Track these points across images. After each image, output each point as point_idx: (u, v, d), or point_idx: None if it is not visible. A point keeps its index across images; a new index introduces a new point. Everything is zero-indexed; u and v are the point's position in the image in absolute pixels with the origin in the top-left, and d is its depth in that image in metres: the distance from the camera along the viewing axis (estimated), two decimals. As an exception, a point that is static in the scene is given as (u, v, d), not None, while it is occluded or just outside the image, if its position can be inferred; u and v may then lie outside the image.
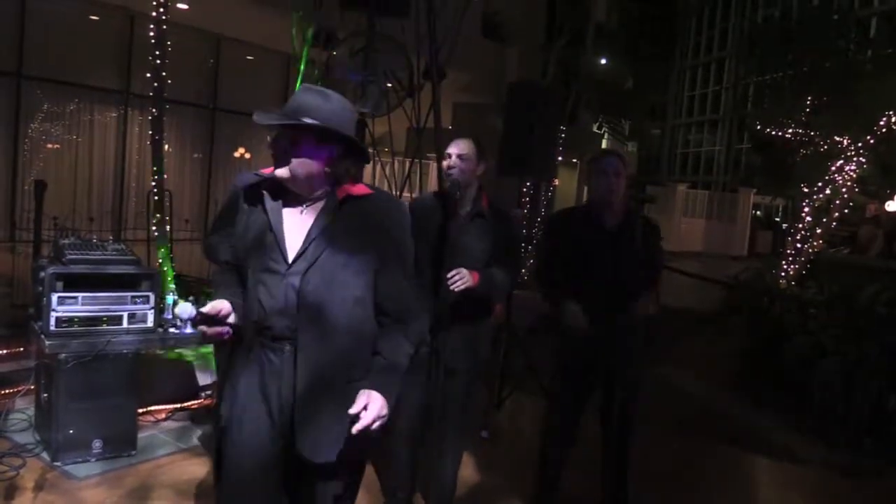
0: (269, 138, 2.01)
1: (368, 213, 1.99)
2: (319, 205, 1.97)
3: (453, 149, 3.09)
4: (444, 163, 3.09)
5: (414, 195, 5.25)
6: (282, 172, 1.92)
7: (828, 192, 9.61)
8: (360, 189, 2.00)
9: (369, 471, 3.63)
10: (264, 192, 1.98)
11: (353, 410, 1.84)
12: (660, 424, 4.76)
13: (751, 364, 6.46)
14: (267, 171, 1.98)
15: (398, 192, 5.96)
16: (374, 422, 1.85)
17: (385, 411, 1.89)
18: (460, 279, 2.84)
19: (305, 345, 1.90)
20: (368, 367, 1.97)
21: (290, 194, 1.97)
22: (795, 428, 5.29)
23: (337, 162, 1.94)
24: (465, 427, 3.34)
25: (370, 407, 1.86)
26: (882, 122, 8.84)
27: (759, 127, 13.51)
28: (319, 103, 1.91)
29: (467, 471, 3.68)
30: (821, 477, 4.51)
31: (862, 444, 4.80)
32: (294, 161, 1.91)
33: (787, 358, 5.83)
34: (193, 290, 5.45)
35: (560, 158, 11.67)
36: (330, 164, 1.94)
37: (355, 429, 1.83)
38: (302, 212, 1.97)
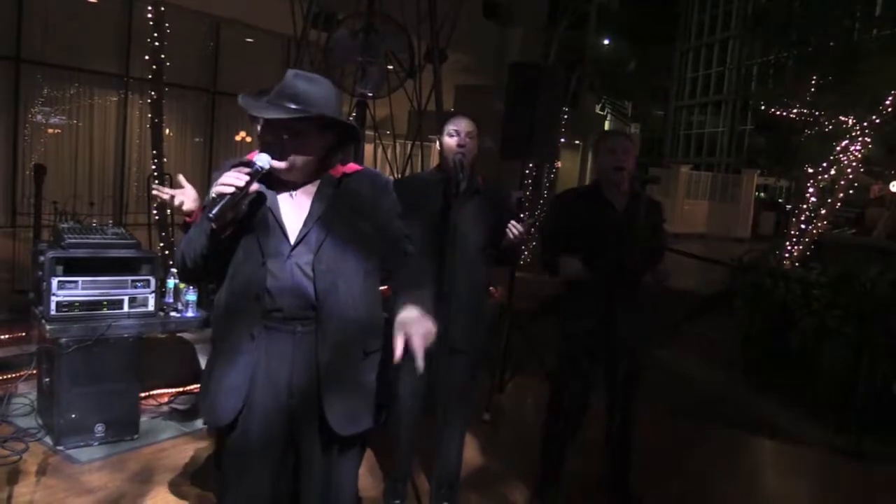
0: (258, 127, 1.98)
1: (362, 186, 2.02)
2: (311, 186, 1.98)
3: (460, 126, 3.02)
4: (454, 140, 3.01)
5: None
6: (280, 164, 1.89)
7: (832, 172, 9.55)
8: (351, 167, 2.04)
9: (370, 453, 3.63)
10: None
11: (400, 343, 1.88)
12: (662, 407, 4.75)
13: (754, 346, 6.44)
14: (251, 155, 1.94)
15: (399, 175, 5.92)
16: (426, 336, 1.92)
17: (429, 324, 1.94)
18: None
19: (325, 321, 1.91)
20: (382, 337, 2.02)
21: (279, 179, 1.96)
22: (799, 410, 5.28)
23: (333, 149, 1.98)
24: (469, 408, 3.33)
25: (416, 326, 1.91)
26: (888, 102, 8.77)
27: (762, 107, 13.42)
28: (315, 91, 1.90)
29: (470, 453, 3.68)
30: (824, 460, 4.50)
31: (866, 427, 4.78)
32: (294, 153, 1.89)
33: (790, 339, 5.80)
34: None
35: (563, 140, 11.67)
36: (327, 152, 1.96)
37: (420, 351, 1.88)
38: (293, 195, 1.97)
